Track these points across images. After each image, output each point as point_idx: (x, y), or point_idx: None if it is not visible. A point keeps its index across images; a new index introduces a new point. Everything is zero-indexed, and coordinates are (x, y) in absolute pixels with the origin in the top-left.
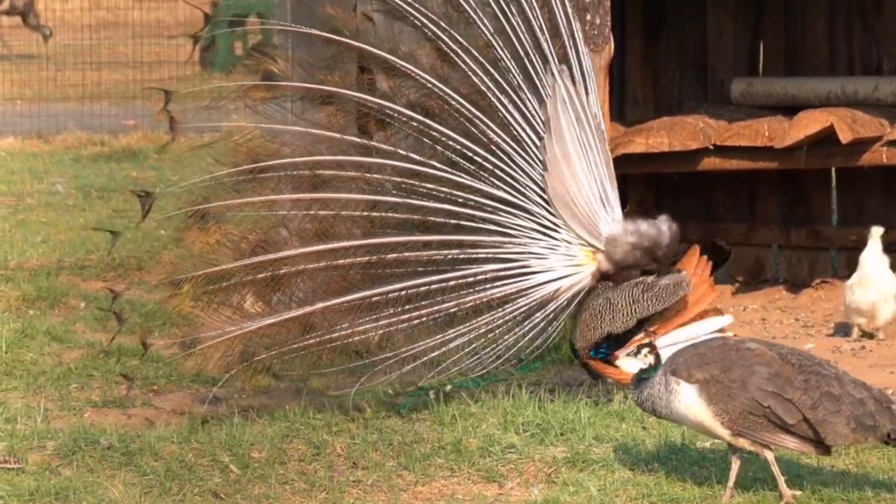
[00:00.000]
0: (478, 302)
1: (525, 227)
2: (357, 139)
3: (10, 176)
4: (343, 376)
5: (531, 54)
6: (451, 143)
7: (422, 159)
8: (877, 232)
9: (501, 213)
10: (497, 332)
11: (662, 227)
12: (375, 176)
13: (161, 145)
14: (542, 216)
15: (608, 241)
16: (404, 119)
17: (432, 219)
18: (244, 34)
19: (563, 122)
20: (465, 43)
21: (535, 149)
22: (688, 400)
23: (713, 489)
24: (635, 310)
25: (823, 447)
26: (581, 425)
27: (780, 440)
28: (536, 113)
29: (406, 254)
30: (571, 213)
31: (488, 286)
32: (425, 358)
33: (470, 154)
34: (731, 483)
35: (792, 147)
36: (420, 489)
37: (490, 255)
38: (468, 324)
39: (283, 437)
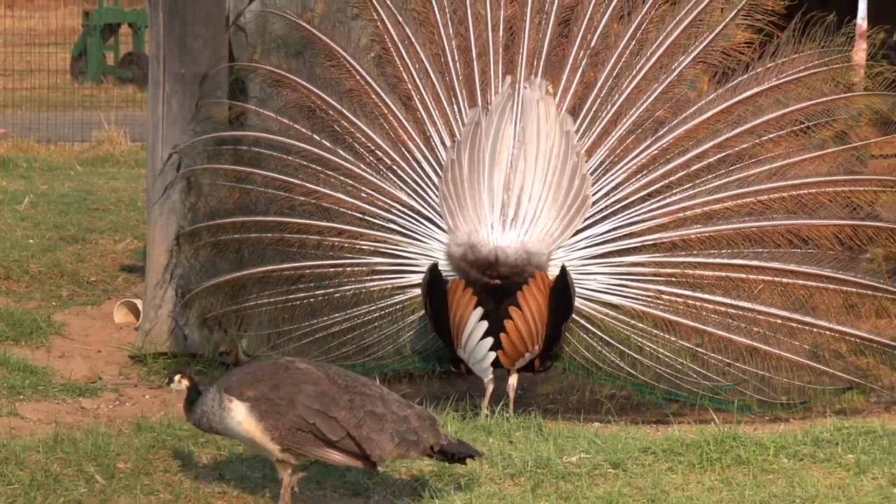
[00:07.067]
0: (356, 291)
1: (425, 231)
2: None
3: None
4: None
5: (489, 58)
6: (358, 134)
7: (329, 146)
8: None
9: (396, 213)
10: (376, 324)
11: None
12: (290, 158)
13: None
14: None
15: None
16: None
17: (324, 205)
18: (116, 44)
19: (492, 129)
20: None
21: (443, 152)
22: (239, 416)
23: (578, 503)
24: None
25: (370, 462)
26: None
27: (327, 455)
28: (459, 116)
29: (300, 235)
30: (458, 218)
31: (365, 278)
32: (312, 338)
33: (373, 147)
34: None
35: None
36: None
37: (374, 249)
38: (348, 311)
39: (149, 447)
